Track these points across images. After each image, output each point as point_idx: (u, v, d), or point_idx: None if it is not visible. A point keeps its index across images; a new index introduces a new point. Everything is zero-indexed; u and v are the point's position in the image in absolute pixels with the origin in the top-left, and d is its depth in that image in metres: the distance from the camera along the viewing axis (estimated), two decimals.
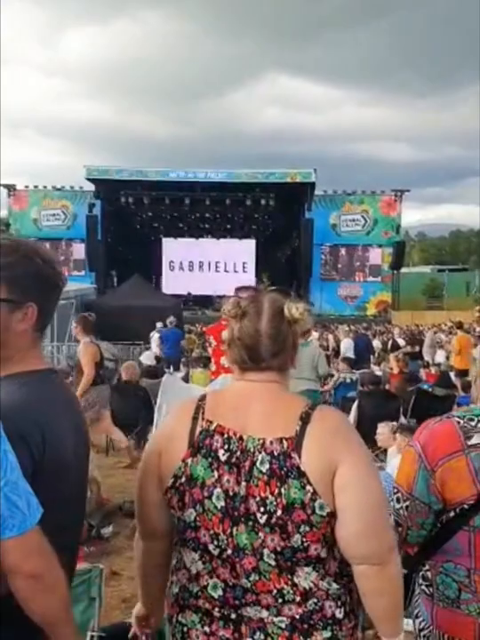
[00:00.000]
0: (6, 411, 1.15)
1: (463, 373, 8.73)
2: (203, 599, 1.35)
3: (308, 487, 1.25)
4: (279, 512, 1.26)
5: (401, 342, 16.57)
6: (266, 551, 1.29)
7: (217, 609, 1.34)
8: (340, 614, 1.33)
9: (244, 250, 34.84)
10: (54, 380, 1.37)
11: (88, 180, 30.44)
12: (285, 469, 1.26)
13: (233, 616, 1.33)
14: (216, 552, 1.31)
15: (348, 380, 8.72)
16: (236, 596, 1.32)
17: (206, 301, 32.39)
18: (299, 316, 1.39)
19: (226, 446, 1.30)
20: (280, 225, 32.09)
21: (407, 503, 1.61)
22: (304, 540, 1.27)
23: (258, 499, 1.27)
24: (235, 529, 1.29)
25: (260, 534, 1.28)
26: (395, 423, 5.14)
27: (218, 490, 1.29)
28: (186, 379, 8.60)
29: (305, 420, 1.31)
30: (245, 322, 1.39)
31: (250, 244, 34.93)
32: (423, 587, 1.67)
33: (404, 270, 35.89)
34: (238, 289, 1.51)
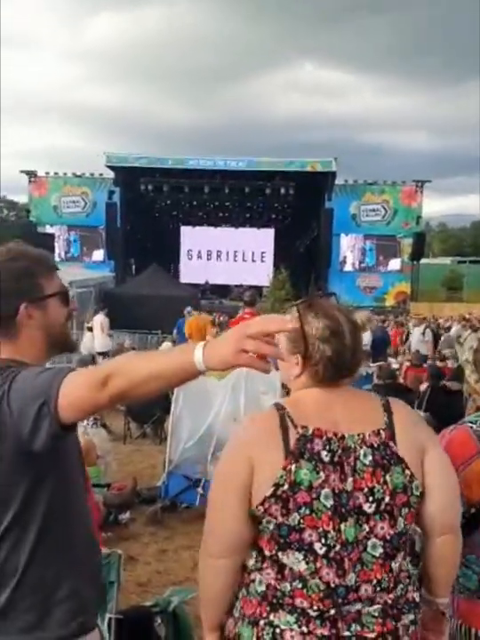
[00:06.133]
0: None
1: None
2: (300, 598, 1.35)
3: (407, 471, 1.39)
4: (387, 498, 1.37)
5: (417, 333, 16.40)
6: (373, 541, 1.37)
7: (314, 608, 1.35)
8: (417, 598, 1.45)
9: (262, 239, 34.78)
10: None
11: (108, 166, 30.57)
12: (387, 458, 1.38)
13: (331, 612, 1.35)
14: (322, 551, 1.34)
15: (365, 373, 8.77)
16: (338, 595, 1.35)
17: (224, 290, 32.42)
18: (367, 322, 1.47)
19: (327, 447, 1.36)
20: (299, 214, 31.93)
21: None
22: (405, 522, 1.40)
23: (365, 490, 1.36)
24: (343, 525, 1.35)
25: (367, 525, 1.36)
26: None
27: (326, 490, 1.34)
28: None
29: (388, 411, 1.44)
30: (334, 341, 1.43)
31: (268, 234, 34.85)
32: None
33: (424, 261, 35.59)
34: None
